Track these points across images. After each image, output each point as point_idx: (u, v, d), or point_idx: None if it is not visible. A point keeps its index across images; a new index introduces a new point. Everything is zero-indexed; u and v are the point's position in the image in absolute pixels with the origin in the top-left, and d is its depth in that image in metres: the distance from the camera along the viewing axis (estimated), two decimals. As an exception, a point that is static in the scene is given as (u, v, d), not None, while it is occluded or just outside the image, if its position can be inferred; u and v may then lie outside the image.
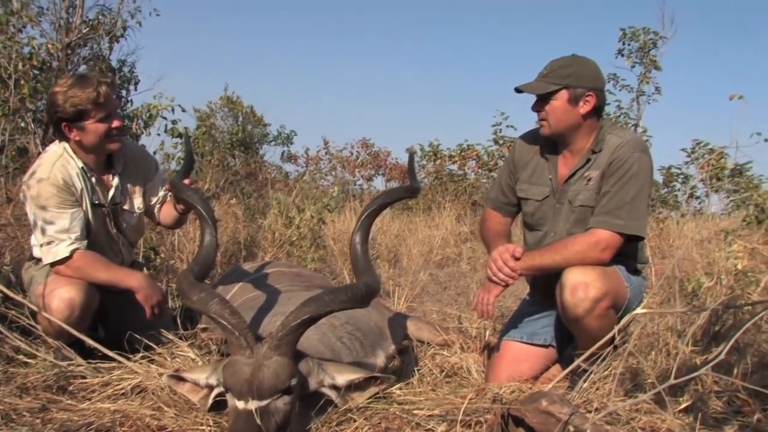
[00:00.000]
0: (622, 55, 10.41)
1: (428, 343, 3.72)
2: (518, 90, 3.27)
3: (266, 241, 6.56)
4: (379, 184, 14.61)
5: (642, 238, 3.22)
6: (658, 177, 11.11)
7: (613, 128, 3.31)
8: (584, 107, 3.20)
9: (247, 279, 3.92)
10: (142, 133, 6.78)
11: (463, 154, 12.11)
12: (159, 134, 6.61)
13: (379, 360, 3.16)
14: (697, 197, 10.53)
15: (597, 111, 3.26)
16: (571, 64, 3.24)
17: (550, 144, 3.39)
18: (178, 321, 3.45)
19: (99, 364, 3.15)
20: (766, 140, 6.05)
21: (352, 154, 14.77)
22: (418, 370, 3.36)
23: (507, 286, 3.17)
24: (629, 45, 10.37)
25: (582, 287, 2.96)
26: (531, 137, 3.50)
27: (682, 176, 10.78)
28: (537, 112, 3.30)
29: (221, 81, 22.19)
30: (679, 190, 11.01)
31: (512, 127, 11.17)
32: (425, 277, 6.55)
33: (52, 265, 3.32)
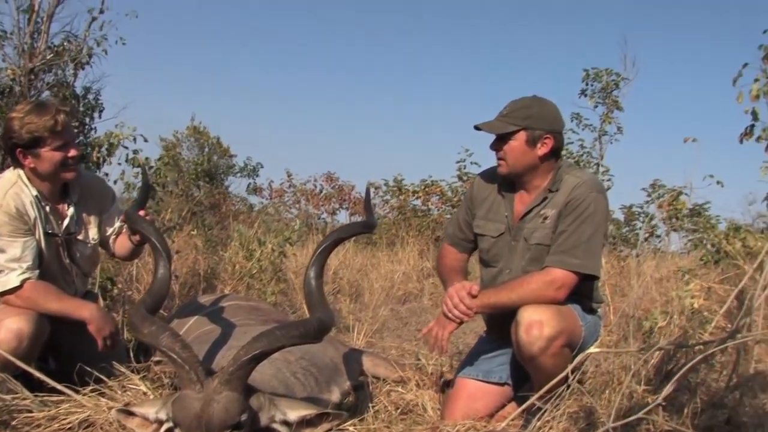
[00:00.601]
0: (585, 95, 10.55)
1: (384, 379, 3.69)
2: (477, 128, 3.31)
3: (226, 273, 6.49)
4: (343, 217, 14.58)
5: (597, 278, 3.25)
6: (620, 215, 11.25)
7: (571, 168, 3.36)
8: (542, 149, 3.24)
9: (203, 312, 3.86)
10: (104, 161, 6.69)
11: (426, 189, 12.15)
12: (120, 163, 6.53)
13: (334, 396, 3.14)
14: (658, 236, 10.67)
15: (555, 153, 3.30)
16: (530, 105, 3.28)
17: (507, 182, 3.42)
18: (131, 353, 3.39)
19: (46, 398, 3.05)
20: (718, 182, 6.19)
21: (315, 187, 14.71)
22: (372, 406, 3.33)
23: (462, 323, 3.18)
24: (592, 85, 10.51)
25: (537, 326, 2.97)
26: (489, 175, 3.53)
27: (643, 215, 10.92)
28: (495, 151, 3.33)
29: (189, 111, 22.13)
30: (640, 228, 11.15)
31: (476, 163, 11.19)
32: (386, 313, 6.52)
33: (2, 294, 3.24)
